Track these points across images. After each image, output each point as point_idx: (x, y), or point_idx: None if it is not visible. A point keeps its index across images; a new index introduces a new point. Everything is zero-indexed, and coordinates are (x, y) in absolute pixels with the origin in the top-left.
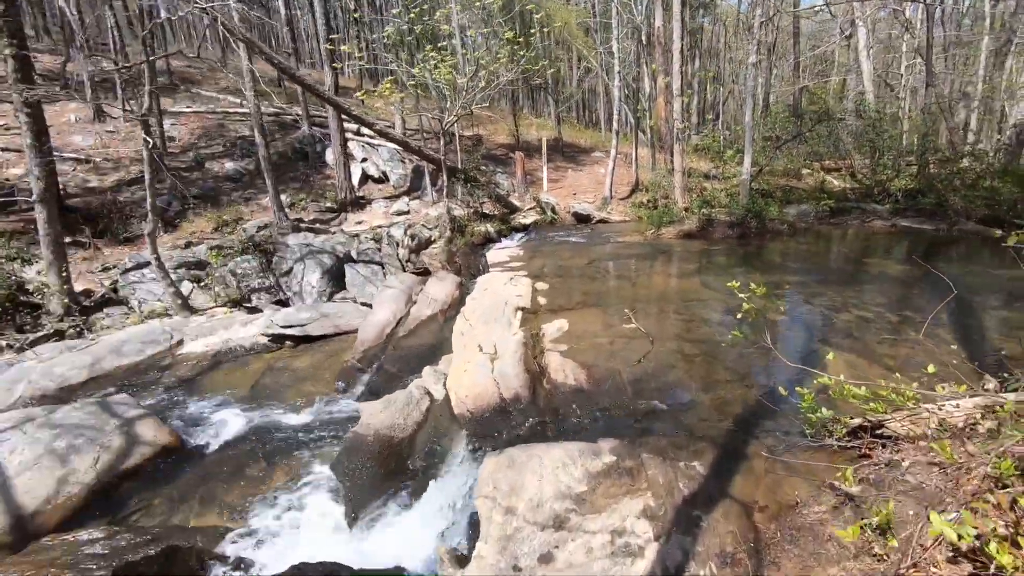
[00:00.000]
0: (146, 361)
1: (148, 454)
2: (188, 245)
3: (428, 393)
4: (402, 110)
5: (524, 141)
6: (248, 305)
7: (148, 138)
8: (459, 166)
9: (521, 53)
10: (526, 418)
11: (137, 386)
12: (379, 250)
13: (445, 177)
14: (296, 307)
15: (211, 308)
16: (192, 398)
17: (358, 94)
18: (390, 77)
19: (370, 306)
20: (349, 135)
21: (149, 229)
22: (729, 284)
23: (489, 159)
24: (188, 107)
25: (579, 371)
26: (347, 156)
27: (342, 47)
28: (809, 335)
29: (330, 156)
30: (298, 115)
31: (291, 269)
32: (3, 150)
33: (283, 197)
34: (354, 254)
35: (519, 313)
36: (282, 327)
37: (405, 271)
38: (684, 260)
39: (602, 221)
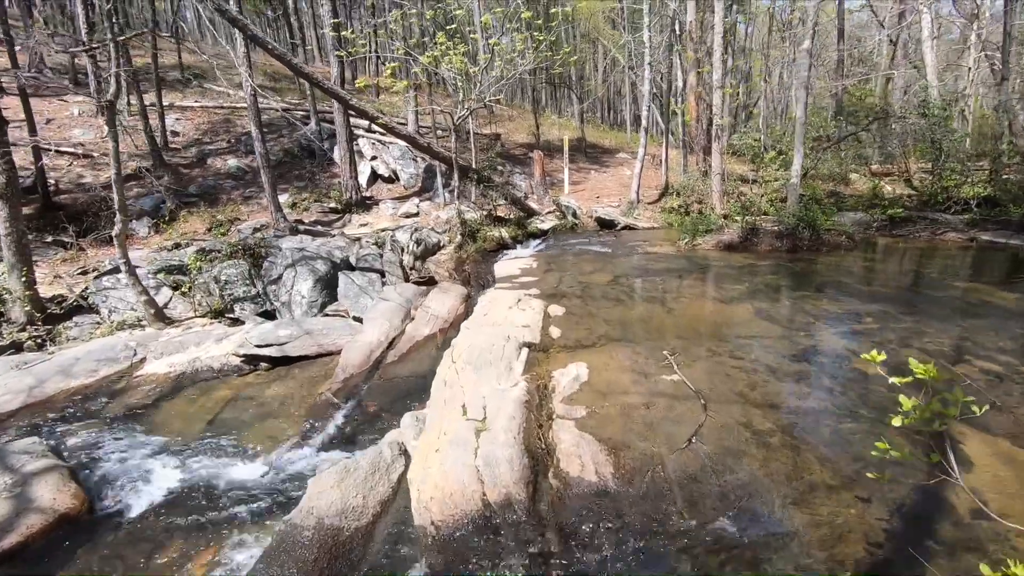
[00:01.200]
0: (96, 384)
1: (38, 527)
2: (176, 247)
3: (404, 452)
4: (415, 103)
5: (545, 141)
6: (231, 316)
7: (112, 126)
8: (473, 165)
9: (541, 38)
10: (520, 543)
11: (73, 418)
12: (381, 256)
13: (457, 177)
14: (275, 323)
15: (190, 319)
16: (132, 437)
17: (357, 82)
18: (392, 64)
19: (362, 321)
20: (360, 132)
21: (116, 230)
22: (867, 356)
23: (507, 158)
24: (196, 102)
25: (602, 457)
26: (353, 154)
27: (344, 32)
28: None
29: (338, 154)
30: (306, 111)
31: (280, 276)
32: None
33: (284, 197)
34: (353, 260)
35: (524, 352)
36: (257, 346)
37: (409, 280)
38: (729, 279)
39: (628, 228)
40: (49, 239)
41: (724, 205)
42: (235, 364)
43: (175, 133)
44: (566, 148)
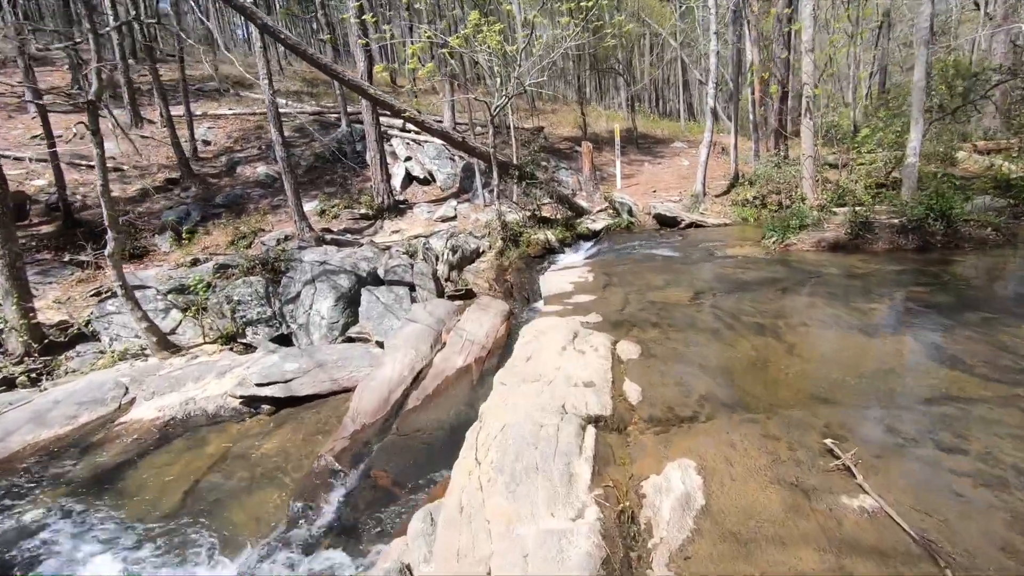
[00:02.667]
0: (72, 435)
1: None
2: (195, 263)
3: None
4: (451, 90)
5: (591, 133)
6: (243, 341)
7: (95, 129)
8: (514, 161)
9: (587, 3)
10: None
11: (30, 484)
12: (412, 267)
13: (496, 174)
14: (282, 354)
15: (198, 345)
16: (88, 516)
17: (376, 68)
18: (417, 45)
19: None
20: (394, 132)
21: (108, 250)
22: None
23: (551, 153)
24: (230, 110)
25: None
26: (384, 155)
27: (367, 16)
28: None
29: (369, 156)
30: (339, 114)
31: (299, 295)
32: (17, 159)
33: (313, 204)
34: (381, 272)
35: (590, 436)
36: (258, 385)
37: (444, 293)
38: (855, 293)
39: (694, 225)
40: (67, 258)
41: (818, 195)
42: (233, 407)
43: (206, 142)
44: (617, 138)
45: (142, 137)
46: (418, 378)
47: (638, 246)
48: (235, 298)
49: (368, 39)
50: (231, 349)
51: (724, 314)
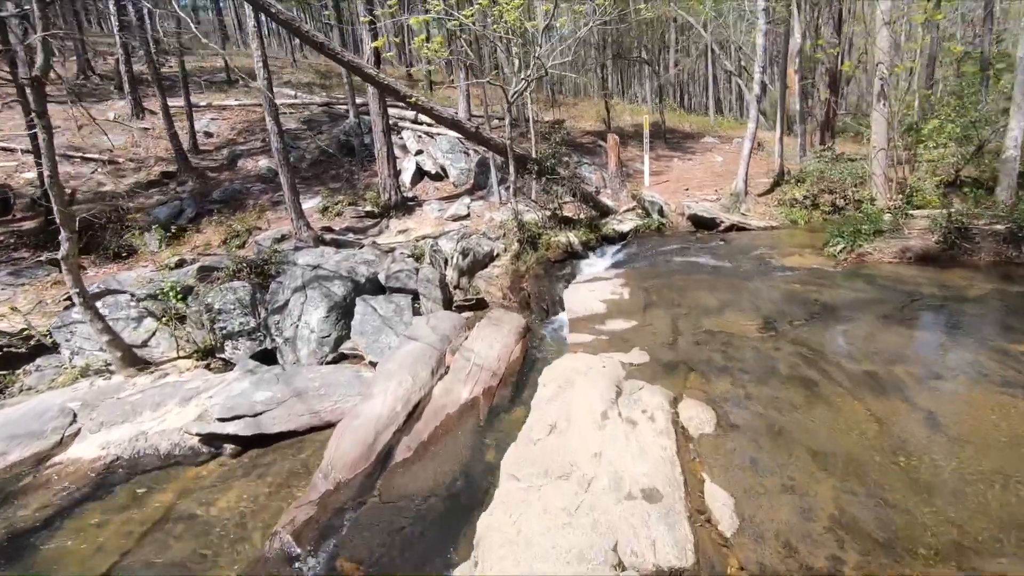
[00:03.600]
0: None
1: None
2: (180, 264)
3: None
4: (465, 75)
5: (615, 127)
6: (222, 356)
7: (41, 111)
8: (533, 155)
9: None
10: None
11: None
12: (417, 272)
13: (512, 169)
14: (254, 379)
15: (172, 360)
16: None
17: (378, 43)
18: (422, 18)
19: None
20: (406, 124)
21: (62, 252)
22: None
23: (573, 147)
24: (237, 101)
25: None
26: (391, 148)
27: None
28: None
29: (375, 148)
30: (352, 104)
31: (287, 303)
32: (7, 150)
33: (315, 201)
34: (382, 278)
35: None
36: (221, 419)
37: (452, 302)
38: (997, 329)
39: (735, 228)
40: (43, 257)
41: (891, 195)
42: (191, 445)
43: (208, 134)
44: (646, 132)
45: (143, 129)
46: (413, 415)
47: (674, 252)
48: (215, 306)
49: (373, 16)
50: (207, 366)
51: (813, 354)
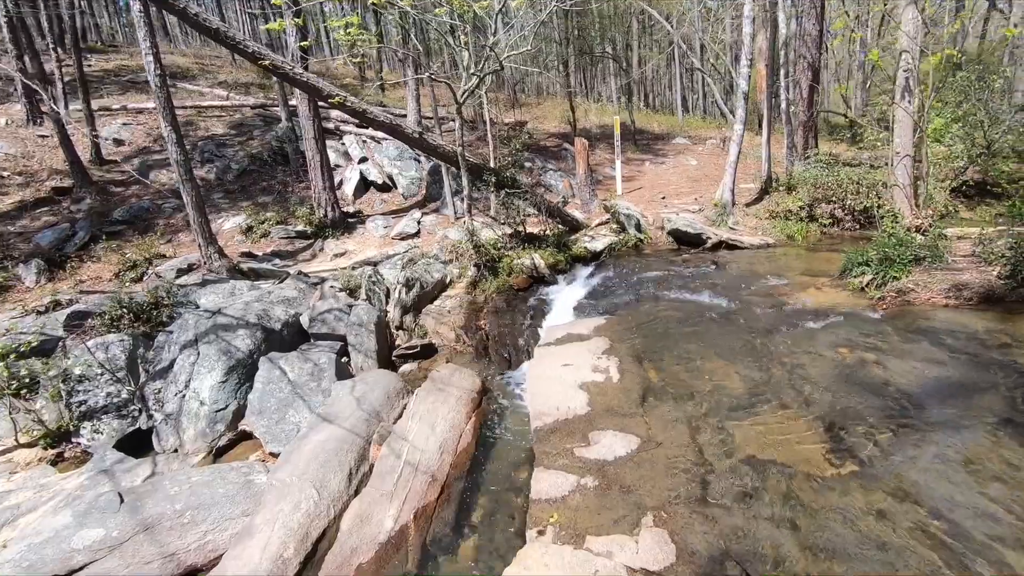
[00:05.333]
0: None
1: None
2: (54, 306)
3: None
4: (415, 79)
5: (582, 129)
6: (76, 441)
7: None
8: (491, 163)
9: None
10: None
11: None
12: (351, 310)
13: (466, 181)
14: (81, 505)
15: (8, 451)
16: None
17: (275, 25)
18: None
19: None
20: (349, 128)
21: None
22: None
23: (536, 152)
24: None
25: None
26: (325, 155)
27: None
28: None
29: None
30: (289, 106)
31: (171, 365)
32: None
33: (238, 219)
34: (305, 321)
35: None
36: None
37: (392, 352)
38: None
39: (724, 245)
40: None
41: (918, 210)
42: None
43: (119, 141)
44: (617, 133)
45: (40, 136)
46: (312, 559)
47: (660, 281)
48: (75, 372)
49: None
50: (58, 456)
51: (941, 526)
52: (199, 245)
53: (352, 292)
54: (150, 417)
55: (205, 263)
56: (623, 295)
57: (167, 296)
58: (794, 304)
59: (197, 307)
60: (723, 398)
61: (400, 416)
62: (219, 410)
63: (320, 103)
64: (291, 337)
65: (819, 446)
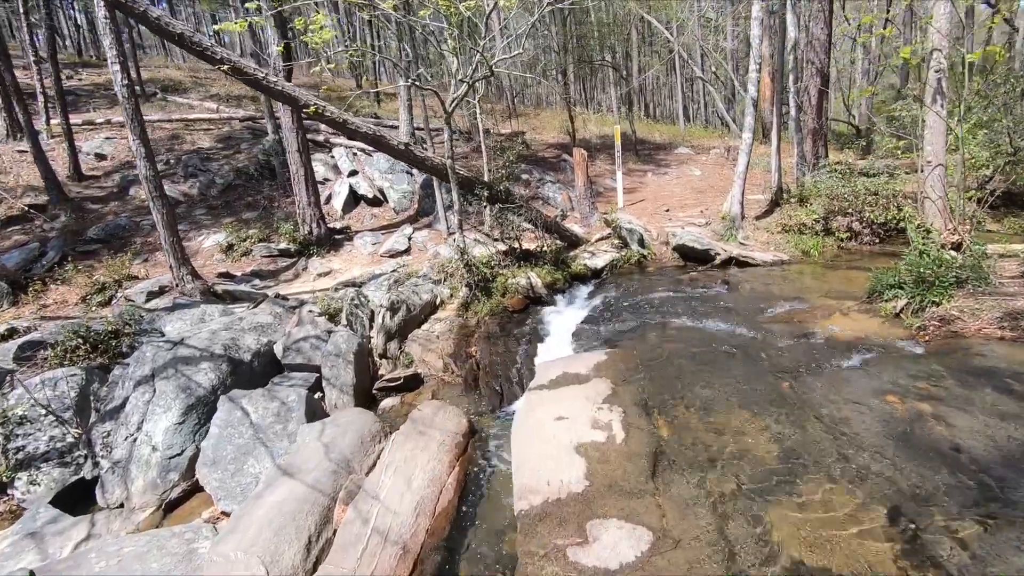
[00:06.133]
0: None
1: None
2: (9, 335)
3: None
4: (407, 89)
5: (581, 139)
6: (11, 493)
7: None
8: (485, 176)
9: None
10: None
11: None
12: (327, 337)
13: (456, 196)
14: None
15: None
16: None
17: (233, 26)
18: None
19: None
20: (339, 140)
21: None
22: None
23: (534, 163)
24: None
25: None
26: (310, 169)
27: None
28: None
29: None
30: (274, 120)
31: (124, 403)
32: None
33: (218, 237)
34: (279, 350)
35: None
36: None
37: (373, 384)
38: None
39: (734, 262)
40: None
41: (952, 224)
42: None
43: (101, 156)
44: (618, 143)
45: (19, 152)
46: None
47: (667, 304)
48: (14, 413)
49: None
50: None
51: None
52: (171, 266)
53: (333, 317)
54: (96, 465)
55: (177, 285)
56: (626, 320)
57: (130, 323)
58: (821, 334)
59: (162, 335)
60: (753, 466)
61: (374, 465)
62: (173, 456)
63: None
64: (263, 368)
65: (886, 545)
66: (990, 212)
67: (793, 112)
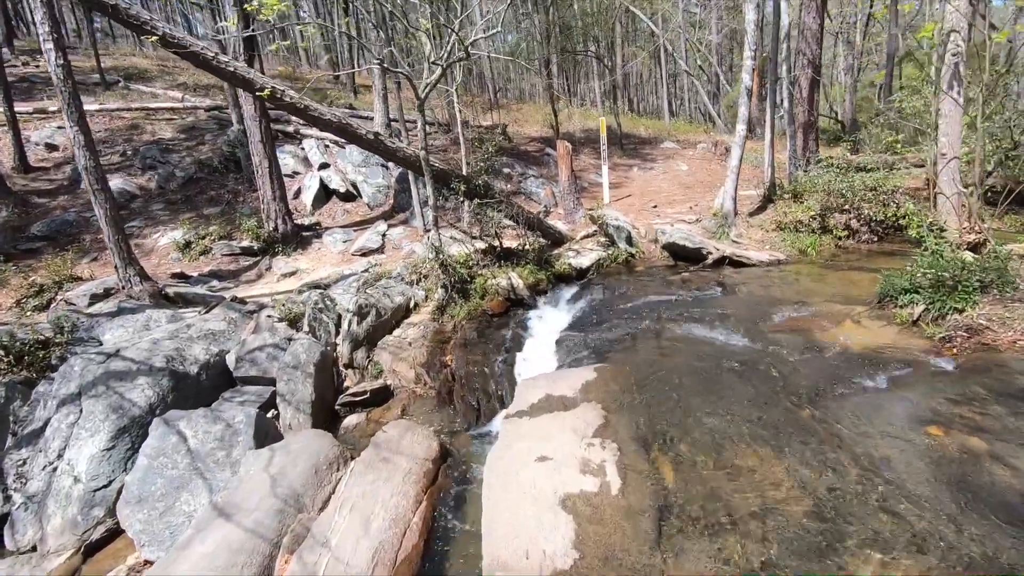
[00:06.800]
0: None
1: None
2: None
3: None
4: (382, 77)
5: (565, 133)
6: None
7: None
8: (462, 169)
9: None
10: None
11: None
12: (286, 345)
13: (430, 190)
14: None
15: None
16: None
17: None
18: None
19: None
20: (311, 131)
21: None
22: None
23: (516, 157)
24: (102, 105)
25: None
26: (274, 161)
27: None
28: None
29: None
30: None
31: (44, 427)
32: None
33: (175, 234)
34: (231, 360)
35: None
36: None
37: (338, 394)
38: None
39: (728, 261)
40: None
41: (969, 224)
42: None
43: (52, 147)
44: (603, 136)
45: None
46: None
47: (660, 309)
48: None
49: None
50: None
51: None
52: (116, 266)
53: (294, 322)
54: (7, 499)
55: (124, 287)
56: (615, 327)
57: (63, 331)
58: (833, 346)
59: (101, 344)
60: (781, 527)
61: (329, 499)
62: (99, 488)
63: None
64: (212, 382)
65: None
66: (989, 208)
67: (786, 104)
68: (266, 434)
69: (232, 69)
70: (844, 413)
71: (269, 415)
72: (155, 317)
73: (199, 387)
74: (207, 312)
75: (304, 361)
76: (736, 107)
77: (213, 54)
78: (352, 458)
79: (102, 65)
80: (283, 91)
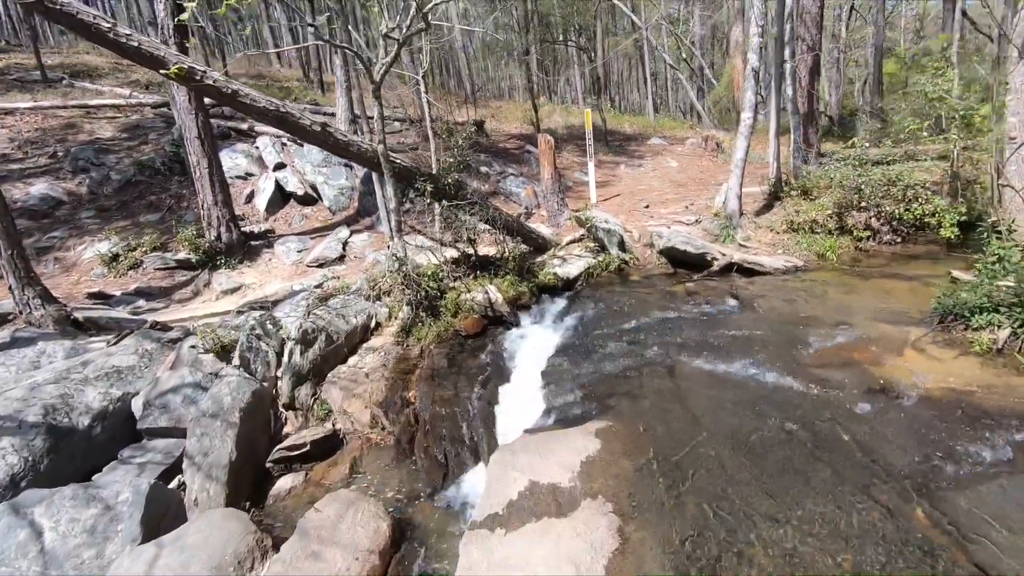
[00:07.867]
0: None
1: None
2: None
3: None
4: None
5: (546, 129)
6: None
7: None
8: (433, 167)
9: None
10: None
11: None
12: (210, 383)
13: (392, 191)
14: None
15: None
16: None
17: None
18: None
19: None
20: (267, 128)
21: None
22: None
23: (495, 154)
24: (35, 103)
25: None
26: (215, 161)
27: None
28: None
29: (226, 164)
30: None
31: None
32: None
33: (102, 246)
34: (138, 407)
35: None
36: None
37: (268, 461)
38: None
39: (737, 268)
40: None
41: None
42: None
43: None
44: (589, 130)
45: None
46: None
47: (667, 330)
48: None
49: None
50: None
51: None
52: (11, 288)
53: (225, 353)
54: None
55: (22, 312)
56: (614, 357)
57: None
58: (906, 388)
59: None
60: None
61: None
62: None
63: (205, 97)
64: (109, 435)
65: None
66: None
67: (790, 92)
68: (165, 512)
69: (136, 44)
70: (977, 514)
71: (175, 483)
72: (49, 351)
73: (90, 444)
74: (115, 343)
75: (228, 407)
76: (721, 103)
77: (109, 25)
78: (275, 546)
79: (47, 63)
80: (203, 71)
